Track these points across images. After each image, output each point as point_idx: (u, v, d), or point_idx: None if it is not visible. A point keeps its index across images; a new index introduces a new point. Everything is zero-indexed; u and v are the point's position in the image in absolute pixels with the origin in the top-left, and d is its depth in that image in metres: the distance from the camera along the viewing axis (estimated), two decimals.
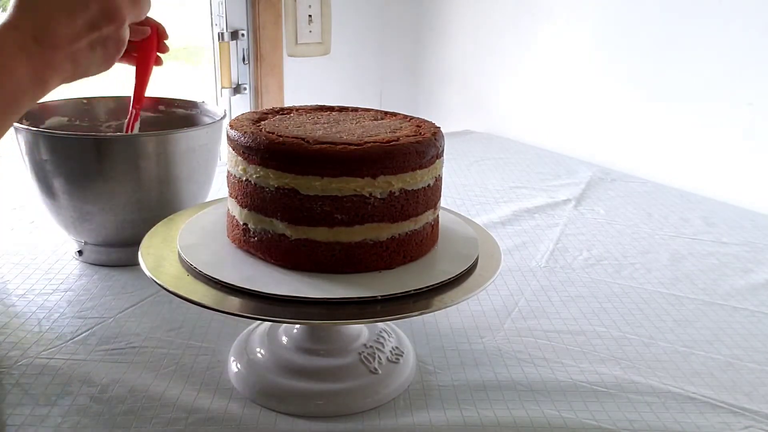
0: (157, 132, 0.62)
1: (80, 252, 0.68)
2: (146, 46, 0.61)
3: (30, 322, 0.57)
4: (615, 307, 0.63)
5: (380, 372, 0.48)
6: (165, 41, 0.62)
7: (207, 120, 0.75)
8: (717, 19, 0.98)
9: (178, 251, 0.46)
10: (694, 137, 1.03)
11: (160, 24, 0.61)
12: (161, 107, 0.76)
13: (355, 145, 0.42)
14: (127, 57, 0.60)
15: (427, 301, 0.42)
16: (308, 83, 1.51)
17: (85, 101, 0.75)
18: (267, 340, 0.50)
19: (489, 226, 0.83)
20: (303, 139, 0.42)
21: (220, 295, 0.41)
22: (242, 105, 1.52)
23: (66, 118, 0.73)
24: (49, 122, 0.71)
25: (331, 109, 0.54)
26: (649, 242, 0.80)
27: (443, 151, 0.47)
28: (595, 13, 1.19)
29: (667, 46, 1.06)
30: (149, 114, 0.74)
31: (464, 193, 0.97)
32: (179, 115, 0.76)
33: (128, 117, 0.67)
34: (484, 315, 0.60)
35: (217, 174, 1.02)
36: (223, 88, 1.48)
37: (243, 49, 1.47)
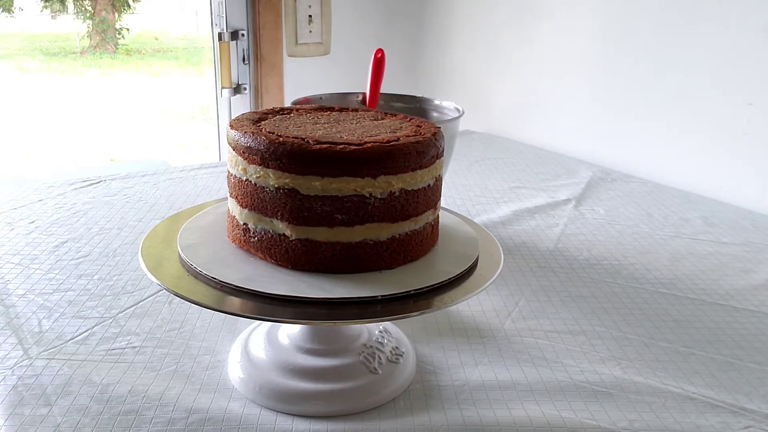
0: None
1: None
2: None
3: (30, 322, 0.57)
4: (615, 307, 0.63)
5: (380, 372, 0.48)
6: None
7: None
8: (716, 20, 0.98)
9: (178, 251, 0.46)
10: (694, 137, 1.03)
11: None
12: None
13: (355, 145, 0.42)
14: None
15: (427, 301, 0.42)
16: (308, 83, 1.51)
17: None
18: (267, 340, 0.50)
19: (489, 226, 0.83)
20: (303, 139, 0.42)
21: (220, 295, 0.41)
22: (242, 105, 1.52)
23: None
24: None
25: (331, 109, 0.54)
26: (649, 242, 0.80)
27: (443, 151, 0.47)
28: (594, 13, 1.19)
29: (667, 46, 1.06)
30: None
31: (464, 193, 0.97)
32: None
33: None
34: (484, 315, 0.60)
35: (217, 174, 1.02)
36: (223, 88, 1.48)
37: (243, 49, 1.47)
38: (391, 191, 0.42)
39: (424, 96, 0.80)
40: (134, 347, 0.53)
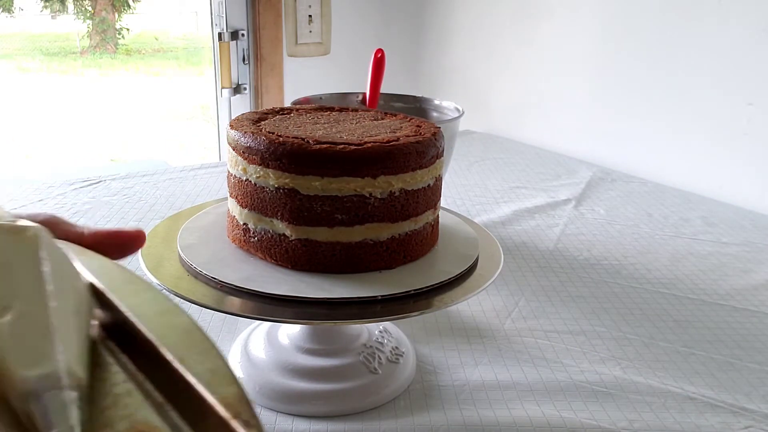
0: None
1: None
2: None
3: None
4: (615, 307, 0.63)
5: (380, 372, 0.48)
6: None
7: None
8: (717, 20, 0.98)
9: (178, 251, 0.46)
10: (694, 137, 1.03)
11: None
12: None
13: (355, 145, 0.42)
14: None
15: (427, 301, 0.42)
16: (308, 83, 1.51)
17: None
18: (267, 340, 0.50)
19: (489, 226, 0.83)
20: (303, 139, 0.42)
21: (220, 295, 0.41)
22: (242, 105, 1.52)
23: None
24: None
25: (331, 109, 0.54)
26: (649, 242, 0.80)
27: (443, 151, 0.47)
28: (594, 13, 1.19)
29: (667, 46, 1.06)
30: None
31: (464, 193, 0.97)
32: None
33: None
34: (484, 315, 0.60)
35: (217, 174, 1.02)
36: (223, 88, 1.48)
37: (243, 49, 1.47)
38: (391, 191, 0.42)
39: (424, 96, 0.80)
40: None
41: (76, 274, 0.25)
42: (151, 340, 0.22)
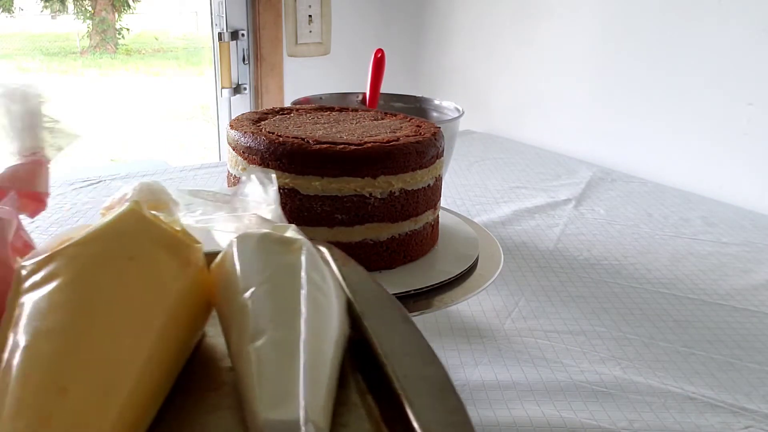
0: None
1: None
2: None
3: None
4: (615, 307, 0.63)
5: None
6: None
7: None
8: (717, 20, 0.98)
9: None
10: (694, 137, 1.03)
11: None
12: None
13: (355, 145, 0.42)
14: None
15: (427, 301, 0.42)
16: (308, 83, 1.51)
17: None
18: None
19: (489, 226, 0.83)
20: (303, 139, 0.42)
21: None
22: (242, 105, 1.52)
23: None
24: None
25: (331, 109, 0.54)
26: (649, 242, 0.80)
27: (443, 151, 0.47)
28: (594, 13, 1.19)
29: (667, 46, 1.06)
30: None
31: (464, 193, 0.97)
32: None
33: None
34: (484, 315, 0.60)
35: (217, 174, 1.02)
36: (223, 88, 1.48)
37: (243, 49, 1.47)
38: (391, 191, 0.42)
39: (424, 96, 0.80)
40: None
41: (338, 289, 0.24)
42: (401, 400, 0.20)
